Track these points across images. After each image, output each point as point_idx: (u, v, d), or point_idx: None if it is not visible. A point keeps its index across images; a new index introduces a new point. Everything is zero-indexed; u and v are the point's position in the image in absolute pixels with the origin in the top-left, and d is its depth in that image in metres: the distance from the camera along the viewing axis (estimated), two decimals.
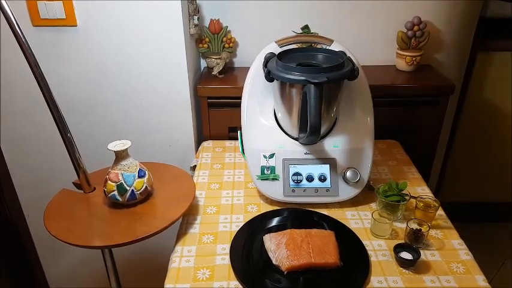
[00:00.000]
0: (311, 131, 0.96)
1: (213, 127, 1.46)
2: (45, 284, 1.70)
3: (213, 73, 1.45)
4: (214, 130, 1.47)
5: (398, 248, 0.92)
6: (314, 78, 0.93)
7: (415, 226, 0.95)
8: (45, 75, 1.28)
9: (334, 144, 1.10)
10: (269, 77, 1.03)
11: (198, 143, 1.48)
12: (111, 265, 1.12)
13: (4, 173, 1.46)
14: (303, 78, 0.95)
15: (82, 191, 1.06)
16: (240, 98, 1.16)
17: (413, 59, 1.45)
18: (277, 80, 1.03)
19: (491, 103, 1.81)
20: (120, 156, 0.97)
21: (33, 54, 0.90)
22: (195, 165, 1.34)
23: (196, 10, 1.34)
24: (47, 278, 1.70)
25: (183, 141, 1.44)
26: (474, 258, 0.92)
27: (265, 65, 1.06)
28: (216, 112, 1.44)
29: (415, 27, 1.42)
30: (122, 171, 0.97)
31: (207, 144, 1.41)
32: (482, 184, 2.02)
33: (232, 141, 1.42)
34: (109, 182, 0.97)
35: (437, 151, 1.65)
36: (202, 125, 1.47)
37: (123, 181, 0.96)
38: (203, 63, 1.58)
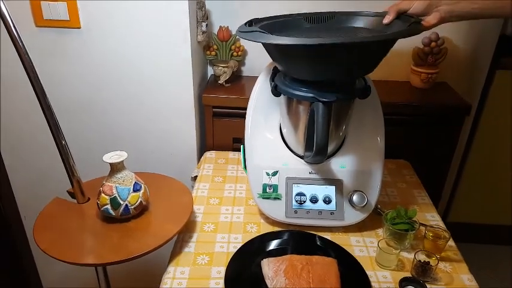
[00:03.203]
0: (317, 151, 0.91)
1: (217, 137, 1.42)
2: (40, 286, 1.67)
3: (219, 82, 1.40)
4: (218, 140, 1.42)
5: (404, 282, 0.87)
6: (323, 96, 0.87)
7: (423, 258, 0.89)
8: (46, 77, 1.25)
9: (341, 165, 1.04)
10: (276, 91, 0.98)
11: (200, 153, 1.43)
12: (104, 278, 1.07)
13: (2, 173, 1.43)
14: (311, 95, 0.90)
15: (76, 201, 1.02)
16: (246, 109, 1.11)
17: (429, 76, 1.39)
18: (284, 95, 0.98)
19: (507, 123, 1.74)
20: (115, 168, 0.93)
21: (29, 59, 0.86)
22: (196, 176, 1.30)
23: (205, 17, 1.29)
24: (42, 280, 1.66)
25: (185, 149, 1.40)
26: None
27: (273, 78, 1.01)
28: (221, 122, 1.39)
29: (433, 44, 1.36)
30: (117, 184, 0.93)
31: (209, 154, 1.37)
32: (494, 206, 1.95)
33: (236, 153, 1.37)
34: (102, 194, 0.92)
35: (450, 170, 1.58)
36: (206, 134, 1.43)
37: (116, 195, 0.92)
38: (210, 71, 1.53)
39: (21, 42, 0.84)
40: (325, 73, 0.88)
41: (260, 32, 0.87)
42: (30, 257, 1.61)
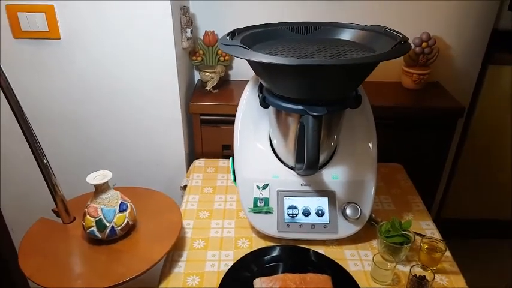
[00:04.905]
0: (308, 165, 0.88)
1: (206, 144, 1.38)
2: None
3: (206, 88, 1.36)
4: (207, 147, 1.39)
5: None
6: (313, 110, 0.84)
7: (418, 272, 0.87)
8: (27, 90, 1.21)
9: (334, 176, 1.01)
10: (264, 103, 0.95)
11: (189, 161, 1.40)
12: None
13: None
14: (301, 107, 0.87)
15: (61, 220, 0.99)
16: (234, 115, 1.07)
17: (421, 77, 1.36)
18: (273, 107, 0.95)
19: (500, 117, 1.72)
20: (100, 189, 0.89)
21: (3, 73, 0.82)
22: (186, 185, 1.27)
23: (190, 22, 1.25)
24: None
25: (174, 159, 1.36)
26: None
27: (261, 89, 0.98)
28: (209, 129, 1.36)
29: (424, 44, 1.33)
30: (102, 206, 0.89)
31: (198, 163, 1.33)
32: (488, 201, 1.94)
33: (226, 161, 1.34)
34: (88, 216, 0.89)
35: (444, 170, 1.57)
36: (195, 142, 1.39)
37: (102, 216, 0.88)
38: (197, 76, 1.49)
39: None
40: (309, 91, 0.85)
41: (241, 47, 0.83)
42: (20, 272, 1.57)
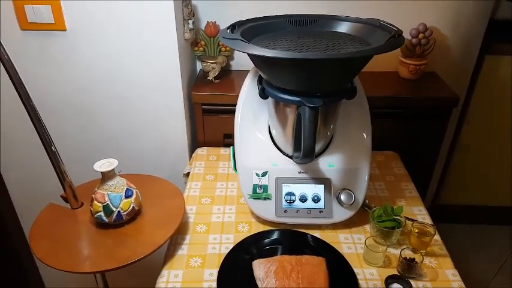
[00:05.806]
0: (305, 154, 0.92)
1: (208, 133, 1.42)
2: (41, 285, 1.70)
3: (208, 78, 1.39)
4: (209, 136, 1.43)
5: (390, 279, 0.90)
6: (309, 101, 0.88)
7: (408, 255, 0.92)
8: (34, 80, 1.25)
9: (330, 164, 1.06)
10: (263, 94, 0.99)
11: (192, 149, 1.44)
12: (101, 279, 1.10)
13: None
14: (298, 99, 0.90)
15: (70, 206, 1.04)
16: (235, 105, 1.11)
17: (417, 67, 1.39)
18: (271, 98, 0.98)
19: (497, 108, 1.75)
20: (107, 176, 0.94)
21: (11, 62, 0.85)
22: (188, 172, 1.31)
23: (192, 14, 1.28)
24: (43, 277, 1.70)
25: (176, 147, 1.41)
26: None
27: (260, 81, 1.02)
28: (211, 118, 1.40)
29: (420, 35, 1.35)
30: (108, 192, 0.94)
31: (200, 151, 1.38)
32: (482, 188, 1.99)
33: (227, 149, 1.38)
34: (95, 202, 0.94)
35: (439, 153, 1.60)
36: (197, 131, 1.43)
37: (109, 202, 0.93)
38: (199, 65, 1.53)
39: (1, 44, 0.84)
40: (306, 83, 0.89)
41: (241, 40, 0.87)
42: (29, 255, 1.63)
